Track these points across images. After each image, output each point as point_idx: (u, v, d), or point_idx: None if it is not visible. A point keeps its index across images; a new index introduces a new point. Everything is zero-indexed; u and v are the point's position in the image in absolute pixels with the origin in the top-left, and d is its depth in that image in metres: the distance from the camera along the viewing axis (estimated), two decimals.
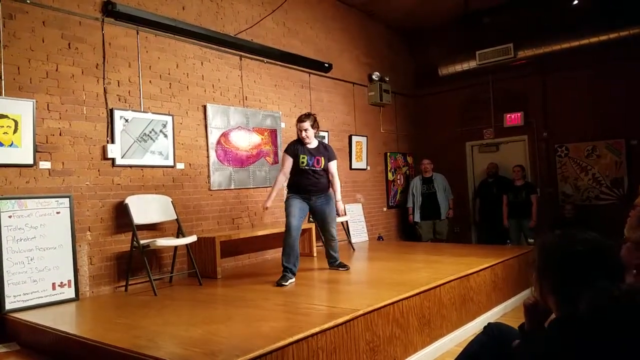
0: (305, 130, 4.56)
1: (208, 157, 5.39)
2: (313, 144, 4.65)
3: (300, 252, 6.06)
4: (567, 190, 7.65)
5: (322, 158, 4.64)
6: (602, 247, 1.42)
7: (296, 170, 4.58)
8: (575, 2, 7.02)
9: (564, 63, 7.38)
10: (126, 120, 4.63)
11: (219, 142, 5.51)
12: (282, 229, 5.75)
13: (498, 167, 7.95)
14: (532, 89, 7.92)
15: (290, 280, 4.34)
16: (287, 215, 4.52)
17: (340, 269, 4.84)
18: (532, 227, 7.01)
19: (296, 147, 4.61)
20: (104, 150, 4.48)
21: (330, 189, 4.76)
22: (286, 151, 4.65)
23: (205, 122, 5.40)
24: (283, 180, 4.63)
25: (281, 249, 4.50)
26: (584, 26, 6.94)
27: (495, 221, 7.43)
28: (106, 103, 4.53)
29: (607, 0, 6.86)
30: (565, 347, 1.26)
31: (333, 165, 4.73)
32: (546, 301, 1.50)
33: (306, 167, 4.56)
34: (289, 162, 4.58)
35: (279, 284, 4.24)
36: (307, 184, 4.59)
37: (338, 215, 4.81)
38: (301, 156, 4.56)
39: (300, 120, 4.61)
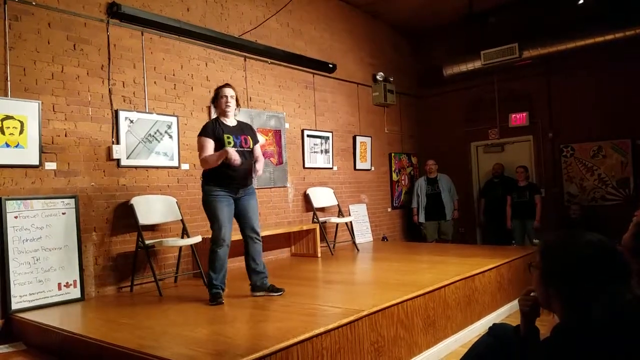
0: (232, 97, 3.84)
1: None
2: (231, 121, 3.88)
3: (304, 252, 6.11)
4: (572, 190, 7.61)
5: (249, 137, 3.91)
6: (609, 250, 1.39)
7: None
8: (581, 1, 6.99)
9: (570, 63, 7.35)
10: (131, 121, 4.65)
11: None
12: (286, 230, 5.78)
13: (504, 168, 7.92)
14: (537, 89, 7.89)
15: (219, 299, 3.68)
16: (215, 222, 3.76)
17: (273, 294, 3.85)
18: (536, 228, 6.97)
19: (215, 125, 3.80)
20: (109, 151, 4.50)
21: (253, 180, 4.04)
22: (203, 134, 3.77)
23: None
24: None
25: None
26: (589, 26, 6.90)
27: (501, 221, 7.41)
28: (111, 104, 4.55)
29: None
30: (579, 355, 1.24)
31: (259, 149, 4.01)
32: (549, 304, 1.48)
33: (235, 149, 3.70)
34: (211, 145, 3.74)
35: (216, 303, 3.64)
36: (236, 173, 3.76)
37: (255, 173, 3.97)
38: (225, 136, 3.75)
39: (224, 85, 3.91)
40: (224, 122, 3.86)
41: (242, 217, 3.93)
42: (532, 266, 1.53)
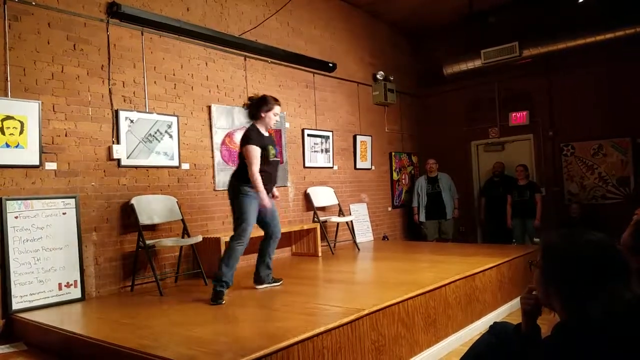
0: (277, 114, 4.09)
1: (213, 157, 5.40)
2: (265, 132, 4.10)
3: (305, 252, 6.11)
4: (573, 189, 7.61)
5: (279, 148, 4.33)
6: (609, 249, 1.39)
7: (263, 163, 3.94)
8: (581, 0, 6.98)
9: (570, 61, 7.34)
10: (131, 121, 4.65)
11: (223, 143, 5.52)
12: (287, 229, 5.77)
13: (504, 166, 7.92)
14: (538, 88, 7.88)
15: (226, 297, 3.79)
16: (245, 219, 3.89)
17: (275, 284, 4.22)
18: (536, 227, 6.97)
19: (260, 137, 4.00)
20: (110, 151, 4.50)
21: None
22: (252, 142, 3.90)
23: (210, 122, 5.41)
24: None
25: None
26: (589, 24, 6.89)
27: (501, 220, 7.40)
28: (111, 104, 4.55)
29: None
30: (579, 353, 1.24)
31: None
32: (550, 302, 1.48)
33: (274, 160, 4.05)
34: (259, 153, 3.91)
35: (216, 303, 3.66)
36: (271, 180, 4.09)
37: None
38: (270, 147, 4.01)
39: (276, 102, 4.08)
40: (261, 131, 4.06)
41: (269, 217, 4.14)
42: (533, 265, 1.54)
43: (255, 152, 3.88)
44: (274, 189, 4.23)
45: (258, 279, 4.20)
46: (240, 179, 3.97)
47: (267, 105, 4.03)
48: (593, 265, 1.36)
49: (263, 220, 4.13)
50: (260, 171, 3.89)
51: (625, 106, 7.04)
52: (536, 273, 1.52)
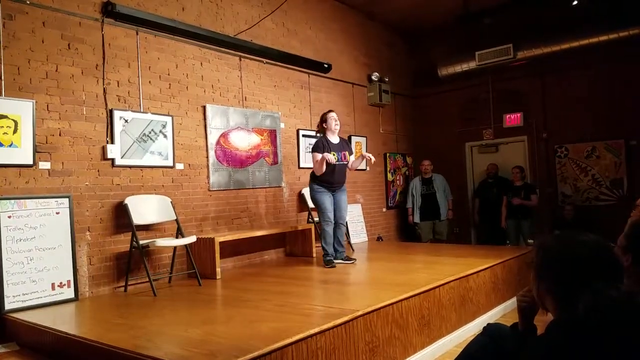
0: (337, 119, 5.11)
1: (207, 157, 5.39)
2: (335, 139, 5.12)
3: (299, 253, 6.14)
4: (566, 191, 7.65)
5: (347, 153, 5.17)
6: (602, 249, 1.42)
7: (327, 167, 4.98)
8: (575, 2, 7.02)
9: (564, 63, 7.38)
10: (126, 121, 4.63)
11: (218, 143, 5.51)
12: (281, 230, 5.80)
13: (498, 168, 7.95)
14: (532, 90, 7.92)
15: (335, 262, 5.08)
16: (324, 209, 5.07)
17: (347, 262, 5.19)
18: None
19: (324, 144, 5.01)
20: (104, 150, 4.48)
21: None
22: (316, 150, 5.01)
23: (205, 122, 5.40)
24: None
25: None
26: (583, 27, 6.94)
27: (495, 222, 7.43)
28: (106, 103, 4.53)
29: (606, 1, 6.86)
30: (566, 350, 1.26)
31: (352, 157, 5.33)
32: (544, 302, 1.50)
33: (337, 163, 5.00)
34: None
35: (330, 266, 4.99)
36: (335, 180, 5.10)
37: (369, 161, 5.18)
38: (332, 153, 4.94)
39: (329, 111, 5.15)
40: (330, 139, 5.11)
41: (336, 210, 5.19)
42: (529, 263, 1.57)
43: (314, 157, 5.08)
44: (337, 190, 5.25)
45: (334, 257, 5.20)
46: (311, 180, 5.23)
47: (324, 118, 5.19)
48: (584, 264, 1.38)
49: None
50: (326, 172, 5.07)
51: (618, 108, 7.08)
52: (531, 271, 1.55)
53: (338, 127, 5.16)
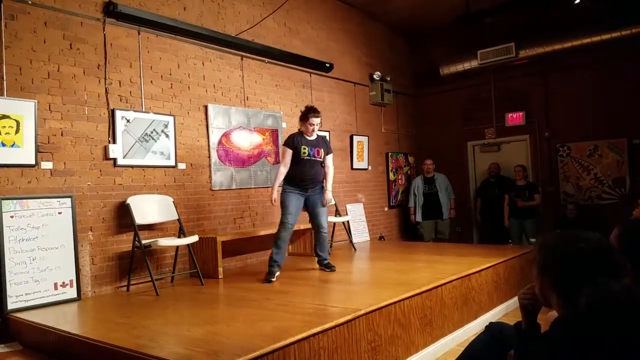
0: (317, 125, 4.72)
1: (209, 157, 5.40)
2: (313, 136, 4.78)
3: (302, 252, 6.14)
4: (569, 190, 7.63)
5: (322, 150, 4.79)
6: (605, 246, 1.43)
7: (297, 162, 4.65)
8: (577, 1, 7.00)
9: (566, 62, 7.37)
10: (128, 121, 4.64)
11: (220, 142, 5.51)
12: None
13: (500, 167, 7.94)
14: (534, 89, 7.91)
15: (277, 274, 4.54)
16: (285, 212, 4.63)
17: (326, 269, 4.82)
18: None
19: (296, 139, 4.70)
20: (106, 150, 4.49)
21: (322, 181, 4.89)
22: (286, 144, 4.75)
23: (207, 122, 5.40)
24: (284, 172, 4.67)
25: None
26: (585, 25, 6.92)
27: (497, 221, 7.42)
28: (107, 103, 4.54)
29: None
30: (571, 348, 1.26)
31: (330, 158, 4.88)
32: (547, 298, 1.51)
33: (307, 158, 4.66)
34: (289, 153, 4.66)
35: (268, 281, 4.43)
36: (307, 176, 4.69)
37: (322, 205, 4.81)
38: (302, 147, 4.65)
39: (315, 113, 4.71)
40: (305, 136, 4.74)
41: (312, 213, 4.83)
42: (533, 260, 1.57)
43: (282, 150, 4.84)
44: (310, 190, 4.78)
45: (318, 262, 4.93)
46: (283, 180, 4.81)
47: (305, 117, 4.71)
48: (587, 259, 1.39)
49: (308, 214, 4.92)
50: (292, 168, 4.68)
51: (621, 107, 7.06)
52: (534, 267, 1.55)
53: (314, 134, 4.75)
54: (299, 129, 4.86)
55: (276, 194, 4.66)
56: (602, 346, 1.20)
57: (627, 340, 1.19)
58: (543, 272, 1.50)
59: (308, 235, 6.00)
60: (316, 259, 4.96)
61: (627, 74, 6.97)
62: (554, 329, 1.36)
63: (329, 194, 4.84)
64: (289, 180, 4.70)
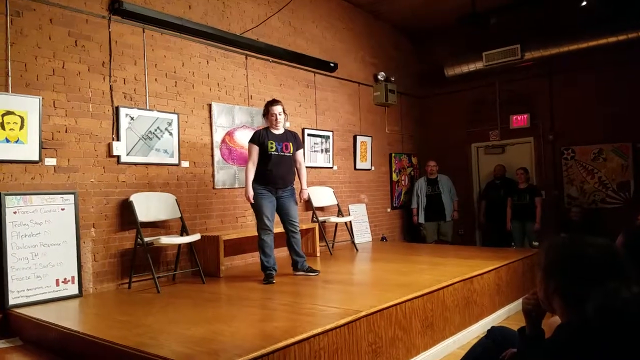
0: (279, 114, 4.48)
1: (213, 155, 5.40)
2: (279, 130, 4.56)
3: (304, 252, 6.11)
4: (572, 193, 7.61)
5: (290, 144, 4.56)
6: (613, 250, 1.40)
7: (264, 158, 4.44)
8: (584, 3, 6.97)
9: (571, 65, 7.34)
10: (132, 118, 4.64)
11: (223, 141, 5.51)
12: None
13: (505, 169, 7.90)
14: (539, 91, 7.88)
15: (274, 275, 4.46)
16: (261, 217, 4.45)
17: (310, 274, 4.61)
18: (536, 231, 6.96)
19: (262, 134, 4.50)
20: (110, 147, 4.49)
21: (293, 182, 4.70)
22: (251, 141, 4.52)
23: (210, 120, 5.40)
24: (252, 169, 4.47)
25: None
26: (592, 28, 6.89)
27: (501, 223, 7.39)
28: (112, 101, 4.54)
29: (615, 2, 6.81)
30: (576, 353, 1.24)
31: (300, 154, 4.70)
32: (551, 303, 1.48)
33: (275, 153, 4.44)
34: (255, 150, 4.47)
35: (268, 282, 4.35)
36: (276, 174, 4.46)
37: (300, 201, 4.74)
38: (269, 142, 4.44)
39: (273, 103, 4.50)
40: (272, 131, 4.53)
41: (284, 215, 4.60)
42: (537, 264, 1.55)
43: (248, 148, 4.56)
44: (280, 191, 4.56)
45: (293, 267, 4.68)
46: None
47: (266, 111, 4.57)
48: (593, 265, 1.36)
49: (279, 215, 4.64)
50: (260, 166, 4.46)
51: (626, 111, 7.02)
52: (538, 272, 1.53)
53: (282, 122, 4.53)
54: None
55: (251, 192, 4.43)
56: (609, 353, 1.19)
57: (634, 349, 1.18)
58: (548, 275, 1.47)
59: (311, 235, 5.99)
60: (293, 266, 4.68)
61: (633, 78, 6.93)
62: (559, 334, 1.34)
63: (306, 193, 4.76)
64: (257, 179, 4.48)
